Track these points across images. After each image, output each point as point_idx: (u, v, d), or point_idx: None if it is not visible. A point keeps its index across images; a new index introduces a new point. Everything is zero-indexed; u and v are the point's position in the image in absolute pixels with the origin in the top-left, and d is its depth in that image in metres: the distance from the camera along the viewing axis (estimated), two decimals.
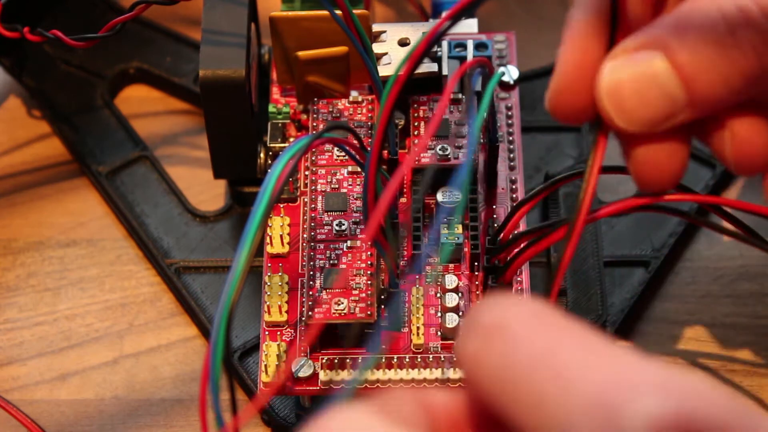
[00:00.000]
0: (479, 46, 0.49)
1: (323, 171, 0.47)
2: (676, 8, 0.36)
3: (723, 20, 0.35)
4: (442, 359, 0.44)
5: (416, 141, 0.47)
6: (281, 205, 0.47)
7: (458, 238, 0.45)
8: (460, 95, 0.48)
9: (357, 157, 0.43)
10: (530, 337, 0.29)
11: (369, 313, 0.43)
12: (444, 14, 0.51)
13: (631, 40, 0.36)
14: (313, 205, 0.46)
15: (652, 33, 0.35)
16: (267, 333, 0.45)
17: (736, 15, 0.35)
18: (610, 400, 0.27)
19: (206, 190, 0.53)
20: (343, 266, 0.44)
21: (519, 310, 0.30)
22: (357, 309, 0.43)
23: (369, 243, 0.44)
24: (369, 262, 0.44)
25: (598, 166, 0.36)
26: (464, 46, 0.49)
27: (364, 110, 0.48)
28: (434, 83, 0.48)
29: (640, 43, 0.36)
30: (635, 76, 0.35)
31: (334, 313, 0.43)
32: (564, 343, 0.29)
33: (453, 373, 0.43)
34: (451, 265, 0.46)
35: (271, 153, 0.48)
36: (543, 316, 0.29)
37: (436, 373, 0.44)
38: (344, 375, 0.43)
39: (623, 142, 0.37)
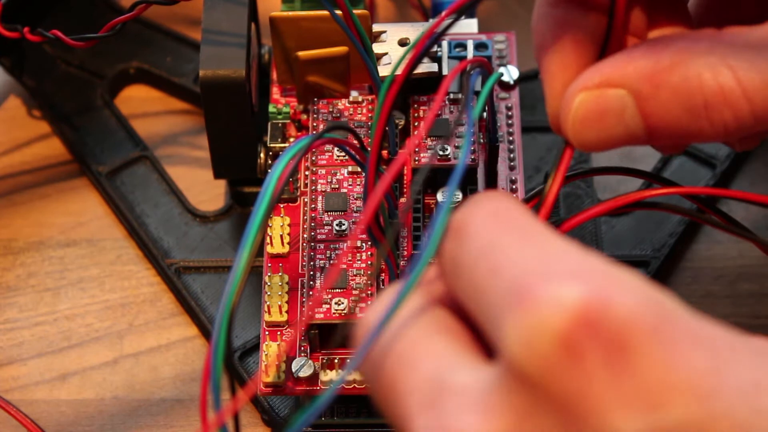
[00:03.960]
0: (479, 46, 0.49)
1: (323, 171, 0.47)
2: (652, 52, 0.35)
3: (701, 93, 0.34)
4: None
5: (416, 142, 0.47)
6: (281, 205, 0.47)
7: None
8: (460, 95, 0.48)
9: (357, 157, 0.43)
10: (479, 233, 0.30)
11: None
12: (444, 14, 0.52)
13: (597, 74, 0.35)
14: (313, 205, 0.46)
15: (627, 74, 0.35)
16: (267, 333, 0.45)
17: (715, 92, 0.34)
18: (525, 286, 0.28)
19: (206, 190, 0.53)
20: (343, 266, 0.44)
21: (479, 208, 0.31)
22: (357, 309, 0.43)
23: (364, 232, 0.43)
24: (369, 262, 0.44)
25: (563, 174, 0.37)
26: (464, 46, 0.49)
27: (364, 110, 0.48)
28: (434, 83, 0.48)
29: (608, 79, 0.35)
30: (601, 111, 0.35)
31: (334, 313, 0.43)
32: (506, 237, 0.30)
33: None
34: None
35: (271, 153, 0.48)
36: (500, 213, 0.31)
37: None
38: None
39: None
